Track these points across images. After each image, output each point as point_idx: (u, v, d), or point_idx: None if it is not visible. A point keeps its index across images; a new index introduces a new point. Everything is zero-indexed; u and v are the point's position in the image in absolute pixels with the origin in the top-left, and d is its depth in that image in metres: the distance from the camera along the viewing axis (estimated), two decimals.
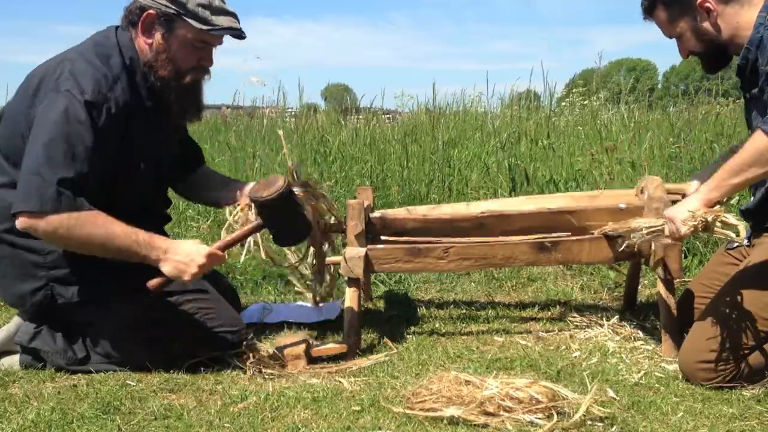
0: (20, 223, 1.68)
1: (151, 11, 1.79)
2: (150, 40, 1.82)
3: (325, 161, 3.87)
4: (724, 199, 1.70)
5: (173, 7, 1.78)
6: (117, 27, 1.88)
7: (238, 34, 1.87)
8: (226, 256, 1.83)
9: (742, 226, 1.62)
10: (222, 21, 1.82)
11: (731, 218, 1.63)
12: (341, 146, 4.16)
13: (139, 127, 1.83)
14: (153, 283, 1.76)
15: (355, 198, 2.32)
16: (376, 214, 2.14)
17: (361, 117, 5.15)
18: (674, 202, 1.88)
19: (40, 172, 1.65)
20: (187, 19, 1.79)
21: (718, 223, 1.62)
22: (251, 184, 1.98)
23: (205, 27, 1.80)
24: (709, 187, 1.67)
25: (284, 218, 1.82)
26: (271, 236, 1.89)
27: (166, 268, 1.74)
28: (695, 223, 1.62)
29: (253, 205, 1.84)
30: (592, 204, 2.16)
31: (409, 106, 5.66)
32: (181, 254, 1.74)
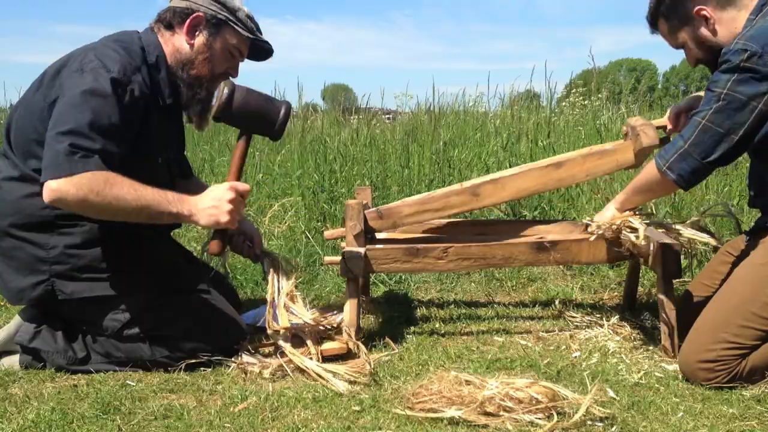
0: (49, 192, 1.62)
1: (200, 13, 1.88)
2: (192, 41, 1.89)
3: (325, 161, 3.87)
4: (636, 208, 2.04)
5: (224, 12, 1.89)
6: (138, 31, 1.93)
7: (269, 50, 2.03)
8: (248, 186, 1.83)
9: (642, 229, 1.89)
10: (260, 36, 1.98)
11: (635, 222, 1.95)
12: (341, 146, 4.16)
13: (157, 122, 1.86)
14: (213, 247, 1.82)
15: (354, 198, 2.33)
16: (372, 211, 2.13)
17: (360, 117, 5.14)
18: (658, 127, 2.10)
19: (67, 139, 1.63)
20: (234, 25, 1.90)
21: (626, 228, 1.96)
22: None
23: (251, 36, 1.92)
24: (618, 200, 2.04)
25: (251, 112, 1.83)
26: (268, 138, 1.92)
27: (201, 220, 1.76)
28: (616, 224, 1.97)
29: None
30: (581, 155, 2.18)
31: (410, 106, 5.65)
32: (208, 200, 1.76)
